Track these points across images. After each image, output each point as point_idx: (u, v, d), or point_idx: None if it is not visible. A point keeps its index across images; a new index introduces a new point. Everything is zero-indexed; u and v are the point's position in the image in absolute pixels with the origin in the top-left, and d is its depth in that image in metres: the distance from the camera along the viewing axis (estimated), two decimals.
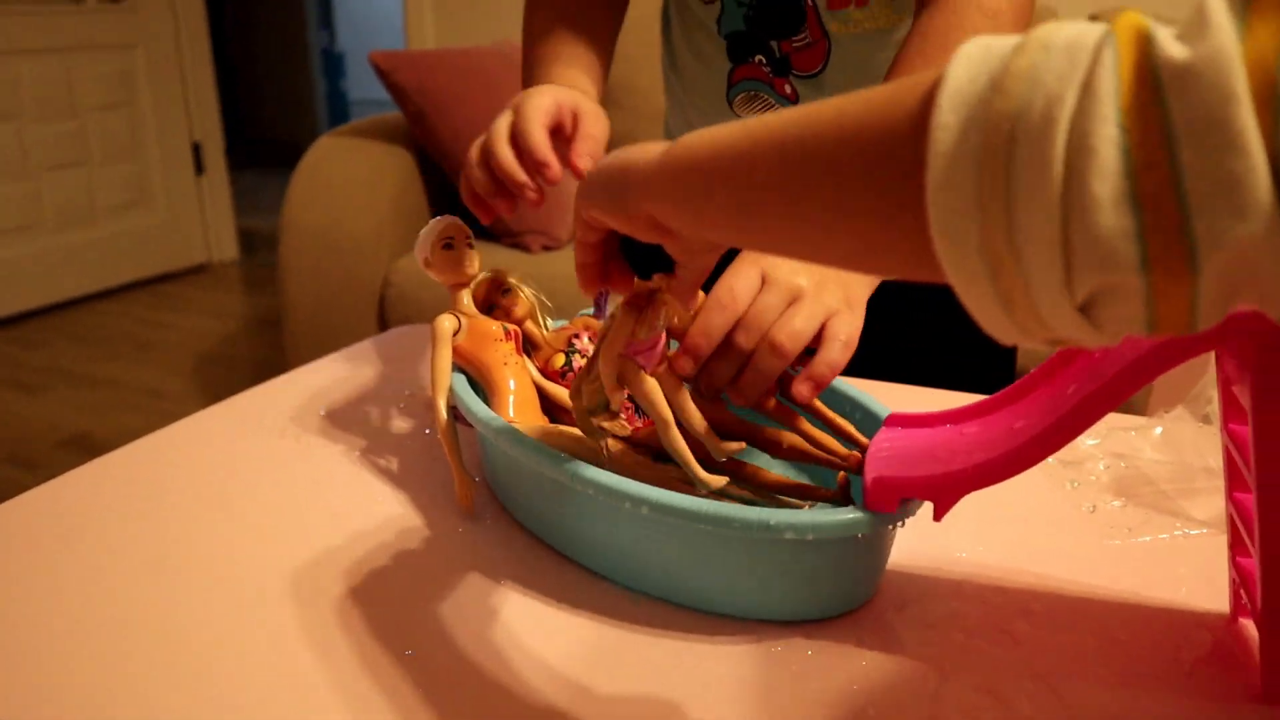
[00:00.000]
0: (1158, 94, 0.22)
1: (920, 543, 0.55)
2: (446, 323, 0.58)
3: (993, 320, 0.27)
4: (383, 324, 1.92)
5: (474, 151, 0.63)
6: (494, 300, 0.63)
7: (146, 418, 2.28)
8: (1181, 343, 0.38)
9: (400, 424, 0.70)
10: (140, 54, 3.24)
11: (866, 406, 0.58)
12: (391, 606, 0.49)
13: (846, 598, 0.50)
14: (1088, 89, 0.23)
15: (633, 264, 0.49)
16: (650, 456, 0.59)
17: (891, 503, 0.45)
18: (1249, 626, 0.48)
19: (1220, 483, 0.49)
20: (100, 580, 0.51)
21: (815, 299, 0.55)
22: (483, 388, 0.59)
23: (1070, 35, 0.24)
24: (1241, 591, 0.47)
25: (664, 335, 0.49)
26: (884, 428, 0.54)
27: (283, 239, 1.95)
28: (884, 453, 0.50)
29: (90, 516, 0.57)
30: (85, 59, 3.08)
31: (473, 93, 1.96)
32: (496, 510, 0.59)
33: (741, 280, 0.52)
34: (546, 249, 1.98)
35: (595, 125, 0.64)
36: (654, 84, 1.38)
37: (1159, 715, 0.43)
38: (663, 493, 0.46)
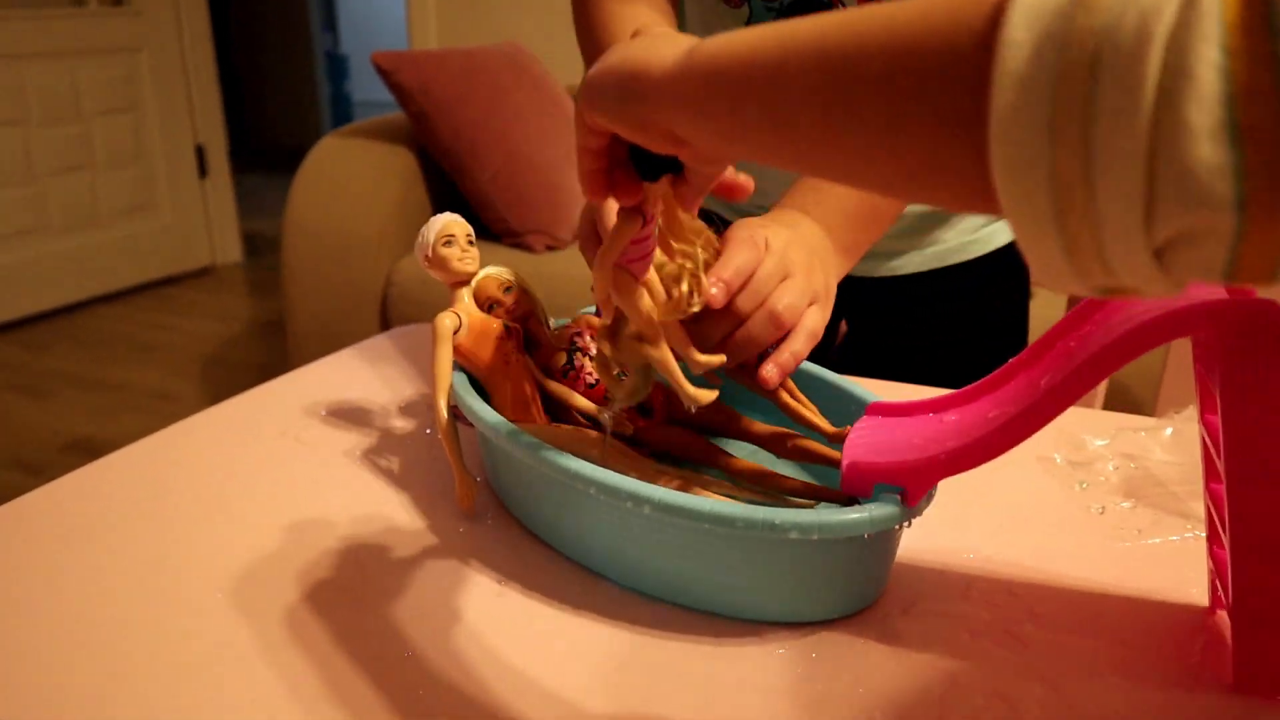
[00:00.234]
0: (1269, 13, 0.20)
1: (927, 543, 0.54)
2: (447, 321, 0.58)
3: (1046, 262, 0.24)
4: (385, 325, 1.92)
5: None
6: (495, 299, 0.62)
7: (151, 421, 2.28)
8: (1152, 330, 0.38)
9: (401, 424, 0.70)
10: (144, 58, 3.25)
11: (852, 394, 0.59)
12: (392, 606, 0.49)
13: (852, 599, 0.49)
14: (1190, 2, 0.20)
15: (638, 165, 0.44)
16: (652, 457, 0.59)
17: (866, 488, 0.46)
18: (1224, 618, 0.48)
19: None
20: (101, 581, 0.51)
21: (806, 278, 0.56)
22: (484, 387, 0.59)
23: None
24: (1217, 583, 0.47)
25: (655, 241, 0.46)
26: (865, 416, 0.54)
27: (285, 240, 1.95)
28: (863, 439, 0.50)
29: (91, 517, 0.57)
30: (89, 63, 3.09)
31: (475, 93, 1.96)
32: (497, 510, 0.58)
33: (759, 234, 0.53)
34: (549, 249, 1.98)
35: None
36: None
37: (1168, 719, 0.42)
38: (665, 492, 0.45)
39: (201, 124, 3.46)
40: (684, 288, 0.46)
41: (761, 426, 0.59)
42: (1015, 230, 0.24)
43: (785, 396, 0.56)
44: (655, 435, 0.59)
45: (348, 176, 1.94)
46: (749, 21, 0.80)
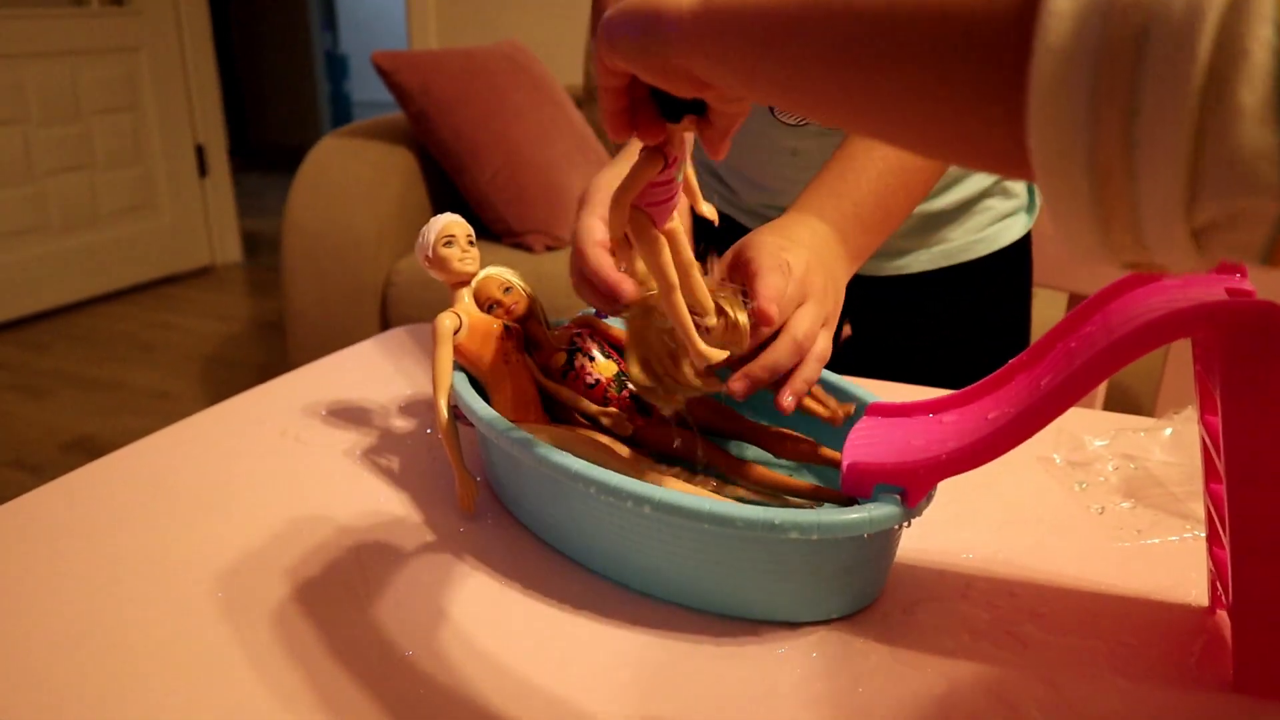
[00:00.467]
0: None
1: (927, 543, 0.54)
2: (448, 321, 0.58)
3: (1078, 238, 0.23)
4: (385, 325, 1.92)
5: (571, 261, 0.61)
6: (495, 299, 0.62)
7: (151, 420, 2.28)
8: (1152, 331, 0.38)
9: (401, 423, 0.70)
10: (144, 57, 3.25)
11: (852, 394, 0.59)
12: (392, 606, 0.49)
13: (852, 599, 0.49)
14: None
15: (660, 105, 0.43)
16: (652, 457, 0.59)
17: (866, 488, 0.46)
18: (1224, 618, 0.48)
19: None
20: (100, 580, 0.51)
21: (820, 303, 0.56)
22: (484, 387, 0.59)
23: None
24: (1217, 583, 0.47)
25: (679, 186, 0.45)
26: (865, 417, 0.54)
27: (285, 239, 1.95)
28: (863, 440, 0.50)
29: (90, 517, 0.57)
30: (89, 62, 3.09)
31: (475, 93, 1.96)
32: (497, 510, 0.58)
33: (782, 258, 0.54)
34: (549, 248, 1.98)
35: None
36: None
37: None
38: (665, 492, 0.45)
39: (201, 124, 3.46)
40: (741, 319, 0.48)
41: (761, 427, 0.59)
42: (1048, 201, 0.24)
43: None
44: (655, 435, 0.59)
45: (347, 176, 1.94)
46: None
